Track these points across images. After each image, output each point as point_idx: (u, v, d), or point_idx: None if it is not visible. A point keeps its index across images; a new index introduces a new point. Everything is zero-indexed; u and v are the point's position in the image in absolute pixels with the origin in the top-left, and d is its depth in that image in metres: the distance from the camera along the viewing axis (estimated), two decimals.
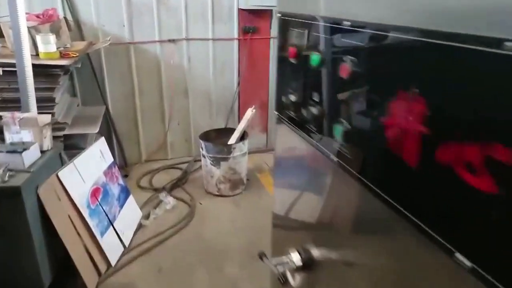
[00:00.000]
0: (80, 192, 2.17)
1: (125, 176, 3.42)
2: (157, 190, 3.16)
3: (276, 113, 1.30)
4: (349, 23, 0.77)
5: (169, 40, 3.43)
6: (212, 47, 3.59)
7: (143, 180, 3.39)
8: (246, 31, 3.62)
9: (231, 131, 3.31)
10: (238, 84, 3.80)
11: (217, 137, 3.35)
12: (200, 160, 3.29)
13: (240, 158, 3.10)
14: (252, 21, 3.61)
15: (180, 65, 3.55)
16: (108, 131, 3.47)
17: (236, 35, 3.62)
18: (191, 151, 3.88)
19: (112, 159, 2.64)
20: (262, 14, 3.61)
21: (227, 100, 3.85)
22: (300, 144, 1.09)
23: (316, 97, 0.95)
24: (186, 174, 3.49)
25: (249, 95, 3.88)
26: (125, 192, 2.70)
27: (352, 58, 0.77)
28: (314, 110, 0.95)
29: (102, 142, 2.58)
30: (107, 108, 3.33)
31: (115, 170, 2.65)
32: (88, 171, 2.30)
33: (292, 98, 1.10)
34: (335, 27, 0.83)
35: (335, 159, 0.87)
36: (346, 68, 0.78)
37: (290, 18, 1.08)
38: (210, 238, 2.65)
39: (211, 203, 3.08)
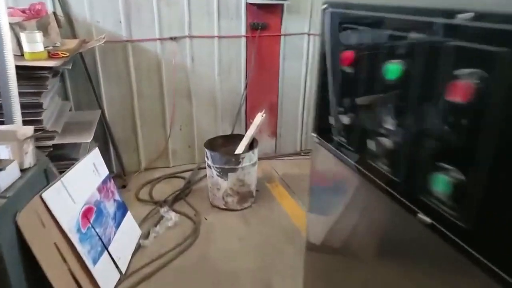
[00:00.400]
0: (69, 215, 1.88)
1: (123, 187, 3.13)
2: (157, 203, 2.87)
3: (315, 135, 1.00)
4: (470, 14, 0.48)
5: (171, 38, 3.12)
6: (218, 45, 3.28)
7: (143, 192, 3.09)
8: (255, 28, 3.31)
9: (238, 137, 3.01)
10: (246, 85, 3.50)
11: (224, 144, 3.05)
12: (204, 168, 2.99)
13: (249, 168, 2.81)
14: (261, 16, 3.30)
15: (183, 65, 3.24)
16: (104, 137, 3.17)
17: (243, 32, 3.32)
18: (195, 158, 3.59)
19: (107, 172, 2.35)
20: (272, 9, 3.31)
21: (234, 103, 3.55)
22: (351, 181, 0.80)
23: (391, 125, 0.65)
24: (190, 184, 3.19)
25: (257, 98, 3.58)
26: (122, 209, 2.41)
27: (480, 72, 0.47)
28: (388, 143, 0.65)
29: (95, 154, 2.29)
30: (102, 113, 3.03)
31: (111, 185, 2.36)
32: (79, 189, 2.00)
33: (345, 120, 0.80)
34: (441, 23, 0.53)
35: (428, 220, 0.58)
36: (463, 87, 0.48)
37: (347, 11, 0.78)
38: (217, 260, 2.36)
39: (218, 218, 2.78)
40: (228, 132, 3.56)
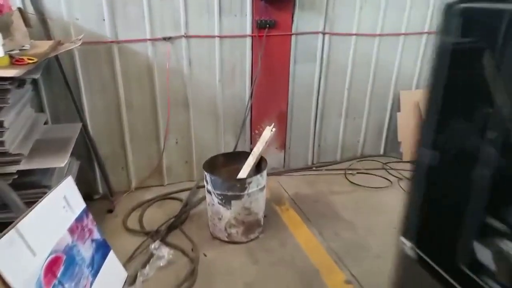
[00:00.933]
0: (26, 273, 1.44)
1: (109, 211, 2.69)
2: (148, 234, 2.43)
3: (408, 243, 0.56)
4: None
5: (164, 38, 2.67)
6: (219, 46, 2.83)
7: (132, 218, 2.65)
8: (262, 26, 2.86)
9: (243, 155, 2.57)
10: (252, 92, 3.05)
11: (226, 164, 2.61)
12: (203, 187, 2.56)
13: (257, 194, 2.37)
14: (269, 13, 2.85)
15: (178, 70, 2.79)
16: (88, 154, 2.73)
17: (249, 31, 2.87)
18: (193, 175, 3.15)
19: (83, 206, 1.91)
20: (282, 4, 2.85)
21: (238, 112, 3.10)
22: None
23: None
24: (187, 207, 2.75)
25: (264, 106, 3.14)
26: (103, 249, 1.97)
27: None
28: None
29: (67, 185, 1.84)
30: (84, 126, 2.59)
31: (88, 221, 1.92)
32: (42, 235, 1.56)
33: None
34: None
35: None
36: None
37: None
38: None
39: (219, 254, 2.34)
40: (231, 145, 3.12)
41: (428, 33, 3.41)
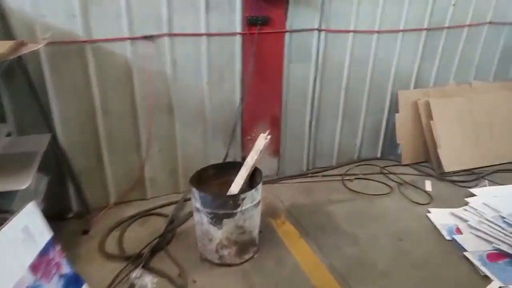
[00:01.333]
0: None
1: (85, 232, 2.40)
2: (129, 260, 2.15)
3: None
4: None
5: (145, 37, 2.39)
6: (207, 45, 2.56)
7: (110, 240, 2.37)
8: (253, 23, 2.60)
9: (235, 166, 2.32)
10: (242, 95, 2.79)
11: (216, 176, 2.35)
12: (190, 199, 2.29)
13: (251, 211, 2.12)
14: (261, 9, 2.59)
15: (161, 72, 2.51)
16: (59, 168, 2.43)
17: (239, 29, 2.60)
18: (179, 187, 2.88)
19: (49, 235, 1.62)
20: None
21: (228, 117, 2.84)
22: None
23: None
24: (173, 224, 2.48)
25: (256, 110, 2.89)
26: (74, 285, 1.69)
27: None
28: None
29: (29, 212, 1.55)
30: (54, 137, 2.29)
31: (55, 253, 1.63)
32: None
33: None
34: None
35: None
36: None
37: None
38: None
39: (211, 279, 2.08)
40: (221, 153, 2.86)
41: (428, 29, 3.22)
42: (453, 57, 3.48)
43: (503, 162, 3.43)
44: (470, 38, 3.45)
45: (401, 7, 3.04)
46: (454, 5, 3.21)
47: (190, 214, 2.50)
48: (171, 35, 2.44)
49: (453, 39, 3.38)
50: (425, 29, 3.21)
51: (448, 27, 3.30)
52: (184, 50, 2.52)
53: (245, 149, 2.93)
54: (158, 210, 2.66)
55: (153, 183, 2.78)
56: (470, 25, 3.38)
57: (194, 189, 2.06)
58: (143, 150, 2.65)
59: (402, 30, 3.13)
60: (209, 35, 2.53)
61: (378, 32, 3.05)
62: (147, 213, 2.62)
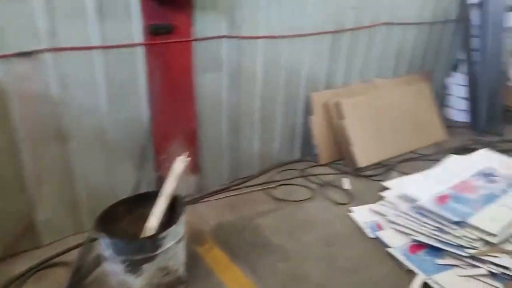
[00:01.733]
0: None
1: None
2: None
3: None
4: None
5: (19, 54, 1.93)
6: (102, 60, 2.19)
7: None
8: (155, 32, 2.31)
9: (150, 196, 2.03)
10: (151, 112, 2.48)
11: (129, 212, 2.03)
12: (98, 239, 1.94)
13: (174, 248, 1.87)
14: (163, 16, 2.30)
15: (45, 95, 2.07)
16: None
17: (139, 39, 2.28)
18: (83, 225, 2.46)
19: None
20: (178, 4, 2.33)
21: (135, 137, 2.50)
22: None
23: None
24: (79, 274, 2.08)
25: (168, 126, 2.60)
26: None
27: None
28: None
29: None
30: None
31: None
32: None
33: None
34: None
35: None
36: None
37: None
38: None
39: None
40: (132, 178, 2.52)
41: (333, 32, 3.29)
42: (357, 57, 3.63)
43: (406, 152, 3.73)
44: (370, 38, 3.63)
45: (306, 12, 3.03)
46: (353, 8, 3.32)
47: (100, 257, 2.14)
48: (54, 49, 2.02)
49: (356, 40, 3.51)
50: (330, 32, 3.27)
51: (351, 29, 3.41)
52: (74, 66, 2.11)
53: (161, 169, 2.64)
54: (59, 259, 2.21)
55: (49, 225, 2.32)
56: (369, 26, 3.55)
57: (101, 238, 1.72)
58: (30, 189, 2.18)
59: (310, 34, 3.14)
60: (105, 47, 2.16)
61: (287, 37, 3.00)
62: (44, 265, 2.16)
